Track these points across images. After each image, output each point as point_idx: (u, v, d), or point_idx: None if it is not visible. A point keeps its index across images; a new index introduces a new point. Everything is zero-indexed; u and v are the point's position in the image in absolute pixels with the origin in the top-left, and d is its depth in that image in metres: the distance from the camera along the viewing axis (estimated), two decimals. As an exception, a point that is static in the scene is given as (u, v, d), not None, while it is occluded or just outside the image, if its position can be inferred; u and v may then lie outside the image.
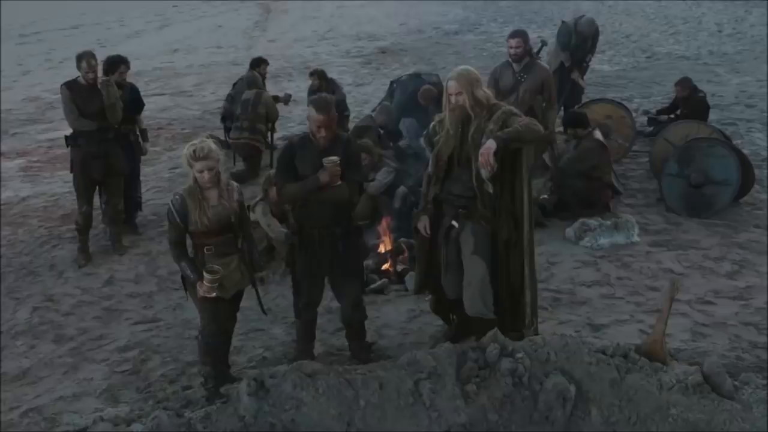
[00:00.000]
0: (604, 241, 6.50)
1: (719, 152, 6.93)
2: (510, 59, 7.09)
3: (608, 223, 6.64)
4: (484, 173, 4.39)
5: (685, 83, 9.03)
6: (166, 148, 10.20)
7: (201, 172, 4.17)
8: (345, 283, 4.68)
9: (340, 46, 16.56)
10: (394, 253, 6.20)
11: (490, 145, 4.18)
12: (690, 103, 8.90)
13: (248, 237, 4.55)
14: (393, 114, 8.20)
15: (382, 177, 6.97)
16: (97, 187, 6.87)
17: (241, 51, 16.90)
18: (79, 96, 6.39)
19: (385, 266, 6.15)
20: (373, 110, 8.57)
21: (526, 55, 6.91)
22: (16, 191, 8.76)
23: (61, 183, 8.87)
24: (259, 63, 9.37)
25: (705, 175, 6.93)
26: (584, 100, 9.11)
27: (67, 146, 6.65)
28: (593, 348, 4.24)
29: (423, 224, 4.73)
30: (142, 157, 7.55)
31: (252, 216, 5.95)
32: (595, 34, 9.19)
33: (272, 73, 11.60)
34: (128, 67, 6.99)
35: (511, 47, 6.95)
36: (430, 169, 4.69)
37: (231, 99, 9.16)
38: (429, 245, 4.86)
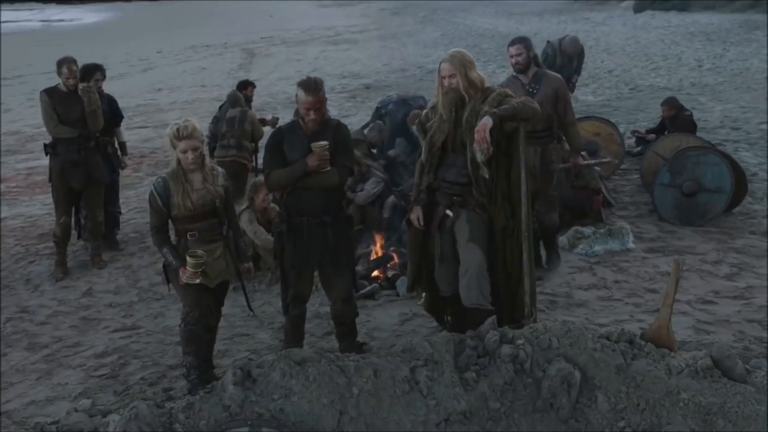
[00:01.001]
0: (598, 248, 6.36)
1: (711, 160, 6.86)
2: (514, 71, 6.35)
3: (602, 230, 6.52)
4: (480, 156, 4.26)
5: (671, 102, 9.04)
6: (149, 173, 10.03)
7: (185, 152, 4.00)
8: (335, 276, 4.47)
9: (325, 83, 16.51)
10: (385, 261, 6.01)
11: (486, 121, 4.05)
12: (677, 122, 8.89)
13: (234, 225, 4.36)
14: (385, 133, 8.10)
15: (370, 187, 6.82)
16: (75, 203, 6.66)
17: (225, 89, 16.81)
18: (60, 103, 6.23)
19: (375, 273, 5.96)
20: (364, 127, 8.47)
21: (530, 64, 6.15)
22: (-8, 214, 8.52)
23: (39, 205, 8.66)
24: (245, 85, 9.29)
25: (698, 183, 6.84)
26: (576, 93, 9.07)
27: (46, 155, 6.46)
28: (597, 334, 4.05)
29: (416, 215, 4.57)
30: (122, 178, 7.39)
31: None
32: (580, 54, 9.23)
33: (257, 107, 11.56)
34: (104, 75, 6.79)
35: (512, 56, 6.16)
36: (422, 156, 4.55)
37: (216, 120, 9.04)
38: (422, 238, 4.69)
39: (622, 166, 8.69)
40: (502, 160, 4.35)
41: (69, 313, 5.80)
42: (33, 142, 12.31)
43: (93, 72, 6.61)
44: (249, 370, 3.83)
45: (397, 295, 5.67)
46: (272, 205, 6.45)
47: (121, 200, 7.74)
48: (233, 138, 8.24)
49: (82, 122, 6.26)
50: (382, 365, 3.81)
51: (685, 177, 6.90)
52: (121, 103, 7.36)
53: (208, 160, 4.21)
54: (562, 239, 6.51)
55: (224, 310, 5.45)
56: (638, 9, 27.98)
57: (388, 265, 5.99)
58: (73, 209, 6.80)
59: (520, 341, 3.93)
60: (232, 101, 8.67)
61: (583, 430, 3.74)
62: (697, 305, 5.29)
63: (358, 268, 5.82)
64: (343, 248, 4.43)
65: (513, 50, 6.09)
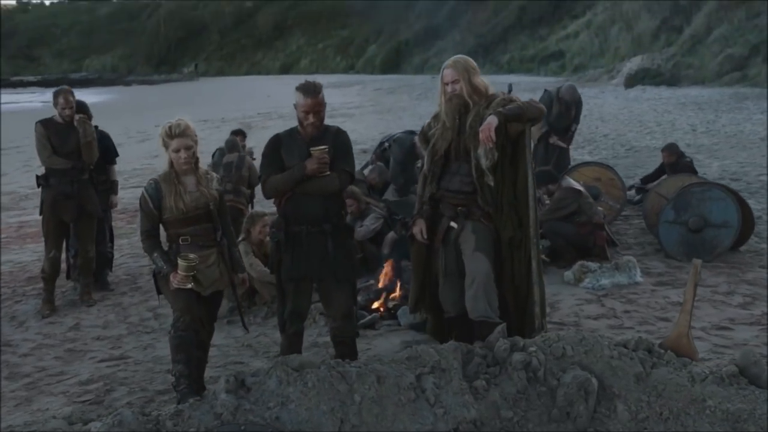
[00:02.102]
0: (605, 281, 6.16)
1: (716, 195, 6.75)
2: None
3: (608, 264, 6.34)
4: (484, 162, 4.14)
5: (671, 149, 9.02)
6: (143, 225, 9.83)
7: (177, 151, 3.86)
8: (334, 289, 4.25)
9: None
10: (386, 292, 5.79)
11: (491, 120, 3.94)
12: (677, 169, 8.83)
13: (228, 233, 4.18)
14: (385, 176, 7.99)
15: (369, 223, 6.66)
16: (65, 241, 6.46)
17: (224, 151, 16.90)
18: (55, 134, 6.12)
19: (375, 304, 5.72)
20: (364, 167, 8.37)
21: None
22: (-21, 261, 8.29)
23: (29, 253, 8.45)
24: (237, 134, 9.26)
25: (704, 218, 6.71)
26: (575, 155, 9.01)
27: (38, 186, 6.30)
28: (613, 342, 3.82)
29: (419, 228, 4.40)
30: (116, 229, 7.22)
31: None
32: (578, 103, 9.24)
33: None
34: (89, 116, 6.50)
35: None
36: (425, 167, 4.42)
37: (213, 166, 8.93)
38: (426, 253, 4.50)
39: (624, 213, 8.58)
40: (508, 167, 4.22)
41: (54, 345, 5.52)
42: (27, 201, 12.24)
43: (77, 110, 6.33)
44: (243, 379, 3.58)
45: (399, 325, 5.42)
46: (269, 239, 6.27)
47: (114, 247, 7.56)
48: (230, 183, 8.09)
49: (77, 154, 6.13)
50: (385, 372, 3.56)
51: (690, 213, 6.77)
52: (117, 167, 7.23)
53: (202, 163, 4.07)
54: (567, 274, 6.33)
55: (218, 340, 5.24)
56: (629, 84, 28.48)
57: (389, 297, 5.76)
58: (64, 247, 6.59)
59: (532, 349, 3.70)
60: (229, 147, 8.60)
61: (604, 441, 3.48)
62: (712, 331, 5.06)
63: (358, 298, 5.60)
64: (343, 259, 4.23)
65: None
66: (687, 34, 30.72)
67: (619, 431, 3.47)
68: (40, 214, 6.31)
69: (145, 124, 27.09)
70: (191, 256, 3.85)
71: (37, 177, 6.32)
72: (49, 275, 6.26)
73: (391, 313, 5.58)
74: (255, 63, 76.56)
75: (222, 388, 3.50)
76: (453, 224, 4.33)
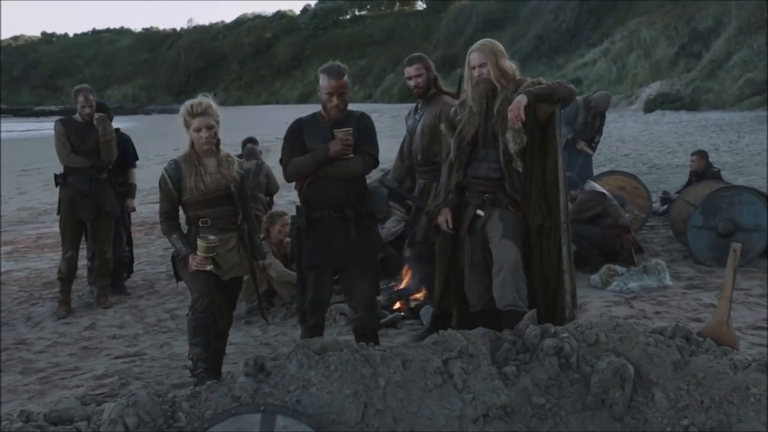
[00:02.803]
0: (633, 284, 5.97)
1: (746, 199, 6.58)
2: (413, 94, 5.03)
3: (636, 268, 6.16)
4: (513, 146, 4.01)
5: (702, 154, 8.88)
6: (161, 235, 9.76)
7: (198, 130, 3.78)
8: (357, 279, 4.11)
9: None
10: (408, 292, 5.65)
11: (520, 99, 3.83)
12: (704, 177, 8.67)
13: (248, 217, 4.07)
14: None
15: (390, 225, 6.53)
16: (82, 238, 6.39)
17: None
18: (74, 133, 6.08)
19: (397, 304, 5.58)
20: (386, 174, 8.25)
21: (430, 87, 4.88)
22: (-3, 268, 8.24)
23: (47, 260, 8.39)
24: (251, 141, 9.22)
25: (734, 223, 6.53)
26: (595, 173, 8.87)
27: (56, 185, 6.25)
28: (648, 329, 3.65)
29: (444, 217, 4.26)
30: (135, 239, 7.15)
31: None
32: (602, 114, 9.11)
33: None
34: (110, 117, 6.40)
35: (409, 77, 4.92)
36: (451, 154, 4.29)
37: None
38: (451, 244, 4.36)
39: (649, 223, 8.40)
40: (537, 152, 4.09)
41: (69, 343, 5.41)
42: (46, 215, 12.27)
43: (97, 109, 6.27)
44: (262, 363, 3.44)
45: (421, 324, 5.27)
46: (288, 239, 6.16)
47: (132, 254, 7.48)
48: (248, 189, 8.03)
49: (96, 153, 6.08)
50: (411, 356, 3.40)
51: (719, 218, 6.59)
52: (136, 177, 7.18)
53: (223, 147, 3.98)
54: (594, 277, 6.15)
55: (236, 338, 5.11)
56: (648, 109, 28.36)
57: (411, 297, 5.61)
58: (82, 250, 6.52)
59: (564, 335, 3.54)
60: (248, 154, 8.53)
61: (642, 429, 3.29)
62: (748, 331, 4.87)
63: (380, 298, 5.45)
64: (366, 247, 4.10)
65: (411, 70, 4.91)
66: (706, 59, 30.62)
67: (657, 419, 3.29)
68: (58, 213, 6.25)
69: (164, 149, 27.31)
70: (211, 237, 3.74)
71: (56, 176, 6.26)
72: (66, 275, 6.18)
73: (413, 313, 5.42)
74: (273, 92, 77.25)
75: (241, 371, 3.37)
76: (480, 212, 4.19)
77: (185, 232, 3.91)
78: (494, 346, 3.58)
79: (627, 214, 7.12)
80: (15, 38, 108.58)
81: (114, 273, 6.62)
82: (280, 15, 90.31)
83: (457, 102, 4.50)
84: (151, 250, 8.79)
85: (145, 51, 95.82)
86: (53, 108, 73.52)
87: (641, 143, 18.15)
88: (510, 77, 4.11)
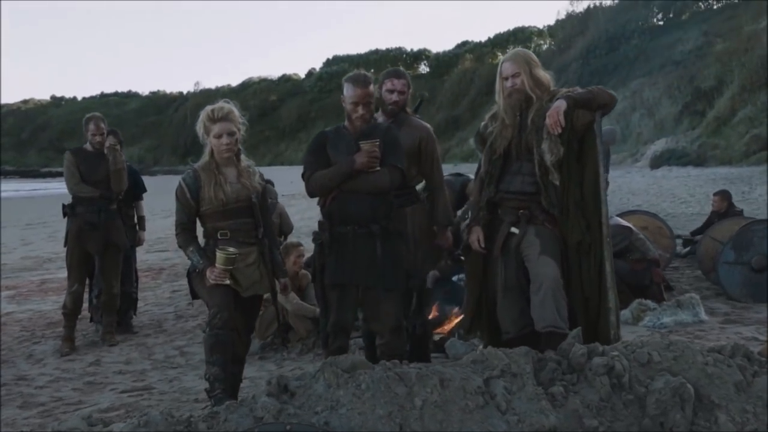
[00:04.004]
0: (667, 320, 5.68)
1: (780, 232, 6.32)
2: (386, 110, 4.32)
3: (668, 303, 5.87)
4: (549, 158, 3.79)
5: (724, 194, 8.66)
6: (167, 280, 9.53)
7: (219, 137, 3.56)
8: (383, 300, 3.83)
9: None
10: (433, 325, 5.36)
11: (560, 104, 3.62)
12: (727, 217, 8.41)
13: (269, 232, 3.82)
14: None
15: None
16: (89, 272, 6.13)
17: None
18: (84, 162, 5.90)
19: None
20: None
21: (404, 107, 4.35)
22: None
23: (50, 303, 8.10)
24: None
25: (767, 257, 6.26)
26: (615, 213, 8.62)
27: (64, 216, 6.02)
28: (705, 348, 3.37)
29: (476, 236, 4.01)
30: (141, 283, 6.93)
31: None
32: (608, 152, 8.92)
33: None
34: (119, 141, 6.33)
35: (391, 90, 4.26)
36: (482, 168, 4.07)
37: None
38: (482, 265, 4.10)
39: (672, 264, 8.12)
40: (574, 164, 3.87)
41: (72, 379, 5.10)
42: (50, 263, 12.09)
43: (107, 135, 6.14)
44: (286, 383, 3.15)
45: (446, 357, 4.96)
46: (303, 271, 5.90)
47: (138, 293, 7.20)
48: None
49: (105, 183, 5.88)
50: (449, 374, 3.11)
51: (752, 252, 6.34)
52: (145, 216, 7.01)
53: (244, 156, 3.76)
54: (625, 312, 5.84)
55: (250, 373, 4.81)
56: (654, 165, 28.32)
57: (435, 331, 5.31)
58: (87, 287, 6.25)
59: (614, 353, 3.25)
60: (261, 194, 8.33)
61: (707, 455, 2.97)
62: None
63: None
64: (393, 265, 3.84)
65: (398, 84, 4.29)
66: (711, 116, 30.75)
67: (724, 444, 2.97)
68: (65, 246, 6.01)
69: (170, 205, 27.24)
70: (231, 249, 3.49)
71: (64, 206, 6.04)
72: (71, 310, 5.90)
73: (438, 345, 5.12)
74: (278, 154, 77.86)
75: (263, 391, 3.08)
76: (514, 230, 3.93)
77: (202, 245, 3.66)
78: (537, 367, 3.29)
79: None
80: (25, 101, 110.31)
81: (121, 310, 6.34)
82: (285, 78, 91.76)
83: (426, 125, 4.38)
84: (158, 293, 8.52)
85: (152, 114, 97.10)
86: (59, 169, 73.94)
87: (652, 195, 17.98)
88: (545, 87, 3.92)
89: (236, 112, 3.67)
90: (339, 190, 3.78)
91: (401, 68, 4.50)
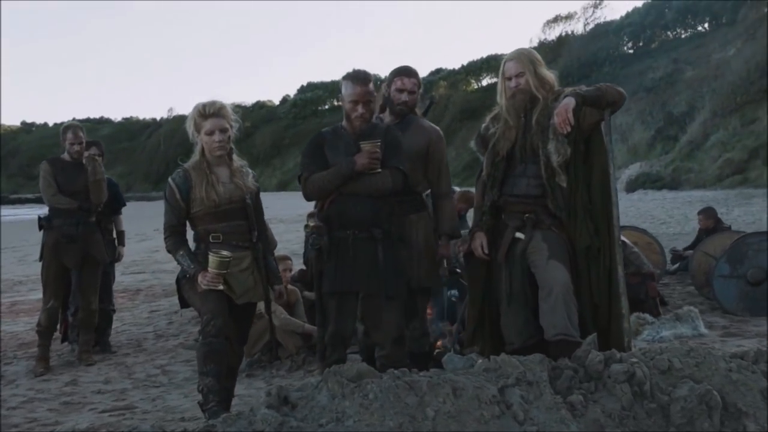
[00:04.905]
0: (666, 333, 5.54)
1: (775, 245, 6.23)
2: (394, 110, 4.06)
3: (667, 316, 5.74)
4: (556, 158, 3.64)
5: (709, 212, 8.60)
6: (145, 300, 9.22)
7: (211, 133, 3.37)
8: (383, 309, 3.64)
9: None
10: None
11: (569, 101, 3.48)
12: (716, 233, 8.34)
13: (264, 236, 3.61)
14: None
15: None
16: (66, 288, 5.84)
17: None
18: (61, 172, 5.63)
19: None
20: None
21: (413, 108, 4.13)
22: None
23: (23, 324, 7.76)
24: None
25: (764, 270, 6.17)
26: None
27: (40, 229, 5.73)
28: (727, 354, 3.21)
29: (479, 242, 3.83)
30: (118, 304, 6.68)
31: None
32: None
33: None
34: (101, 152, 6.10)
35: (401, 90, 4.01)
36: (484, 171, 3.91)
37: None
38: (485, 273, 3.92)
39: (663, 281, 8.01)
40: (581, 166, 3.72)
41: (48, 399, 4.79)
42: (21, 285, 11.73)
43: (88, 146, 5.93)
44: (286, 394, 2.93)
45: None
46: (292, 287, 5.68)
47: (115, 318, 6.90)
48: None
49: (84, 194, 5.61)
50: (462, 383, 2.91)
51: (747, 265, 6.24)
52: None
53: (237, 156, 3.56)
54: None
55: (238, 390, 4.55)
56: (629, 189, 28.47)
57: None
58: (62, 305, 5.95)
59: (633, 360, 3.08)
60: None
61: (738, 465, 2.80)
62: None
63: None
64: (395, 271, 3.65)
65: (408, 83, 4.02)
66: (684, 141, 31.10)
67: (755, 454, 2.81)
68: (40, 260, 5.72)
69: (144, 229, 26.80)
70: (224, 252, 3.28)
71: (39, 218, 5.74)
72: (46, 328, 5.59)
73: (435, 360, 4.91)
74: (252, 180, 77.28)
75: (262, 402, 2.85)
76: (519, 235, 3.77)
77: (193, 249, 3.44)
78: (553, 375, 3.11)
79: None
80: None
81: (99, 329, 6.04)
82: (259, 105, 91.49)
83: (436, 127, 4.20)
84: (136, 313, 8.23)
85: (125, 140, 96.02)
86: (29, 196, 72.81)
87: (630, 217, 17.97)
88: (550, 86, 3.78)
89: (229, 108, 3.48)
90: (338, 192, 3.60)
91: (411, 67, 4.16)
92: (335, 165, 3.61)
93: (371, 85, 3.68)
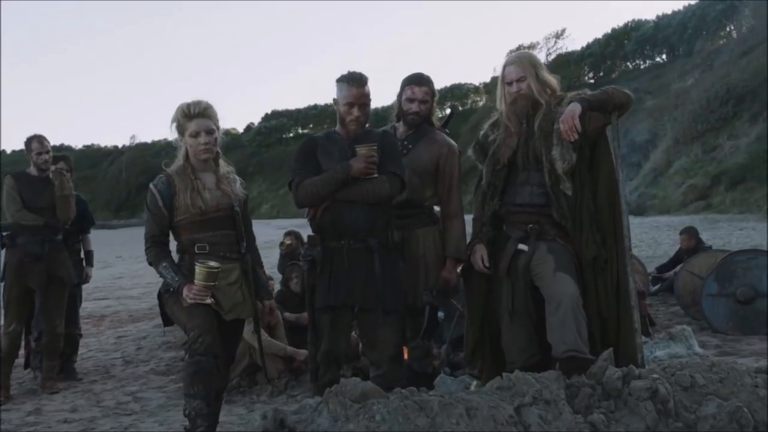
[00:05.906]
0: (660, 353, 5.35)
1: (763, 263, 6.14)
2: (407, 120, 3.89)
3: (661, 335, 5.58)
4: (561, 165, 3.46)
5: (691, 231, 8.53)
6: (110, 327, 8.80)
7: (196, 135, 3.12)
8: (381, 325, 3.40)
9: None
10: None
11: (574, 107, 3.31)
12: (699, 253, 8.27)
13: (252, 247, 3.35)
14: None
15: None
16: (29, 310, 5.47)
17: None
18: (26, 186, 5.27)
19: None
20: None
21: (427, 118, 3.92)
22: None
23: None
24: None
25: (753, 288, 6.07)
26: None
27: (2, 247, 5.36)
28: (751, 368, 3.04)
29: (479, 255, 3.62)
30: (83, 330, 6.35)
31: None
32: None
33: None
34: (70, 167, 5.69)
35: (412, 99, 3.82)
36: (484, 180, 3.71)
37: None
38: (485, 288, 3.71)
39: (646, 302, 7.89)
40: (586, 174, 3.55)
41: (9, 430, 4.41)
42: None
43: (56, 160, 5.55)
44: (282, 418, 2.66)
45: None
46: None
47: (80, 344, 6.50)
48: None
49: (51, 211, 5.26)
50: (476, 402, 2.68)
51: (736, 284, 6.14)
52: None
53: (224, 161, 3.31)
54: (615, 347, 5.52)
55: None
56: (596, 215, 28.72)
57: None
58: (24, 328, 5.57)
59: (654, 376, 2.88)
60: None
61: (773, 487, 2.61)
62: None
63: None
64: (392, 284, 3.42)
65: (419, 92, 3.83)
66: (647, 168, 31.51)
67: (790, 475, 2.61)
68: (2, 280, 5.34)
69: (105, 256, 26.11)
70: (212, 263, 3.01)
71: (2, 236, 5.36)
72: (7, 353, 5.19)
73: (429, 380, 4.67)
74: (216, 207, 76.38)
75: (257, 426, 2.59)
76: (522, 247, 3.56)
77: (177, 261, 3.16)
78: (569, 393, 2.90)
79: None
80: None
81: (64, 354, 5.66)
82: (223, 132, 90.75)
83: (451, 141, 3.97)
84: (102, 339, 7.83)
85: (86, 167, 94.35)
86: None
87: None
88: (552, 90, 3.62)
89: (213, 107, 3.24)
90: (332, 199, 3.37)
91: (425, 74, 3.91)
92: (328, 170, 3.38)
93: (367, 87, 3.48)
